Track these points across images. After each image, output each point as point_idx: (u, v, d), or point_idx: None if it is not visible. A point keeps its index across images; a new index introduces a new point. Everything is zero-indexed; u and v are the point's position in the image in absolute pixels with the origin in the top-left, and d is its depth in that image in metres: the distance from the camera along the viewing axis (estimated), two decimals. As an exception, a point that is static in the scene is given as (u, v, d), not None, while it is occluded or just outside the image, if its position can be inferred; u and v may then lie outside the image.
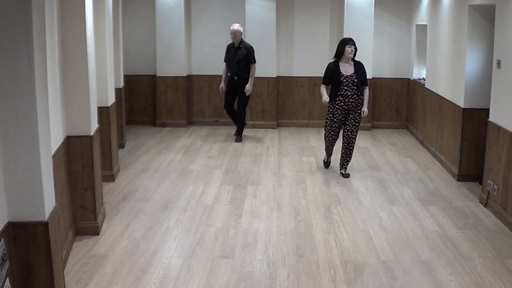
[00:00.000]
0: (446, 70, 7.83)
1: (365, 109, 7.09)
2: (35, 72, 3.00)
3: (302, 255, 4.93)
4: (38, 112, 3.06)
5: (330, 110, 7.16)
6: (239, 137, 9.25)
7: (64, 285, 3.66)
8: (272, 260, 4.82)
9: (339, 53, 7.12)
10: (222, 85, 9.22)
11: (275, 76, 10.22)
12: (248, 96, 9.07)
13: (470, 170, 7.05)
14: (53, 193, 3.42)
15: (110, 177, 6.88)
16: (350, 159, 7.34)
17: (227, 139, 9.39)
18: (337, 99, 7.05)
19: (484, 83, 6.81)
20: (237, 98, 9.19)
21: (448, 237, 5.33)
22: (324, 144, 7.55)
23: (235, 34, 8.98)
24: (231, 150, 8.62)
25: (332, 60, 7.26)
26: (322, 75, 7.28)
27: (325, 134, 7.38)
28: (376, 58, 10.25)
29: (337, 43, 7.36)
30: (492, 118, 6.12)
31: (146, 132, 9.89)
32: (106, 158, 6.73)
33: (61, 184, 4.71)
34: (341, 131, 7.33)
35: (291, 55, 10.42)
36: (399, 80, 10.42)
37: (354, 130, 7.16)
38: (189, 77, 10.45)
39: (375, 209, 6.11)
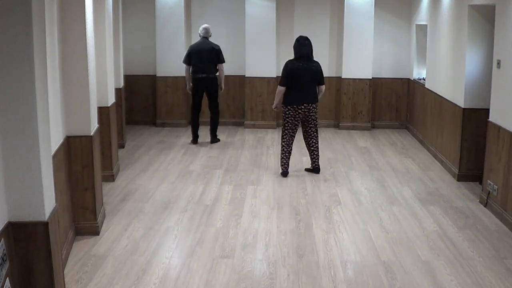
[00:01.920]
0: (446, 70, 7.83)
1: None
2: (35, 72, 3.00)
3: (302, 255, 4.93)
4: (38, 112, 3.05)
5: (286, 113, 7.21)
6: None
7: (64, 285, 3.66)
8: (272, 260, 4.82)
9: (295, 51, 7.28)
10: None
11: (275, 76, 10.21)
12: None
13: (470, 170, 7.05)
14: (53, 193, 3.42)
15: (110, 177, 6.88)
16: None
17: (227, 139, 9.39)
18: None
19: (484, 83, 6.81)
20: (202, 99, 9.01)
21: (448, 237, 5.34)
22: (281, 151, 7.37)
23: None
24: (231, 150, 8.62)
25: (289, 60, 7.30)
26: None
27: (284, 139, 7.32)
28: (376, 58, 10.26)
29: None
30: (492, 118, 6.12)
31: (146, 132, 9.89)
32: (106, 158, 6.73)
33: (61, 184, 4.71)
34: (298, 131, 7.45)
35: (291, 55, 10.38)
36: (399, 80, 10.42)
37: None
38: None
39: (375, 209, 6.11)
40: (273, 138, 9.51)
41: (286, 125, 7.17)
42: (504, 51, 5.81)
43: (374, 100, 10.41)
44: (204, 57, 8.70)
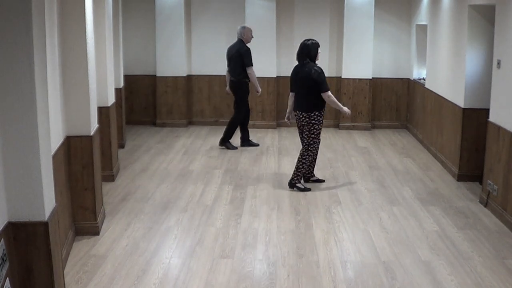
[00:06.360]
0: (446, 70, 7.83)
1: None
2: (35, 72, 3.00)
3: (302, 255, 4.93)
4: (38, 112, 3.06)
5: (320, 119, 6.55)
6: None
7: (64, 285, 3.66)
8: (272, 260, 4.82)
9: (315, 56, 6.67)
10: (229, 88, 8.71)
11: (275, 76, 10.22)
12: None
13: (470, 170, 7.05)
14: (53, 193, 3.42)
15: (110, 177, 6.87)
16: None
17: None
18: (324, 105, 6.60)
19: (484, 83, 6.81)
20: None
21: (448, 237, 5.33)
22: (307, 160, 6.65)
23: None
24: (231, 150, 8.62)
25: (317, 65, 6.67)
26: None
27: (316, 147, 6.65)
28: (376, 58, 10.25)
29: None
30: (492, 118, 6.12)
31: (146, 132, 9.89)
32: (106, 158, 6.73)
33: (61, 184, 4.71)
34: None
35: (291, 55, 10.38)
36: (399, 80, 10.42)
37: None
38: (189, 77, 10.45)
39: (375, 209, 6.11)
40: (273, 138, 9.51)
41: (319, 131, 6.56)
42: (504, 51, 5.81)
43: (374, 100, 10.41)
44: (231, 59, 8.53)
